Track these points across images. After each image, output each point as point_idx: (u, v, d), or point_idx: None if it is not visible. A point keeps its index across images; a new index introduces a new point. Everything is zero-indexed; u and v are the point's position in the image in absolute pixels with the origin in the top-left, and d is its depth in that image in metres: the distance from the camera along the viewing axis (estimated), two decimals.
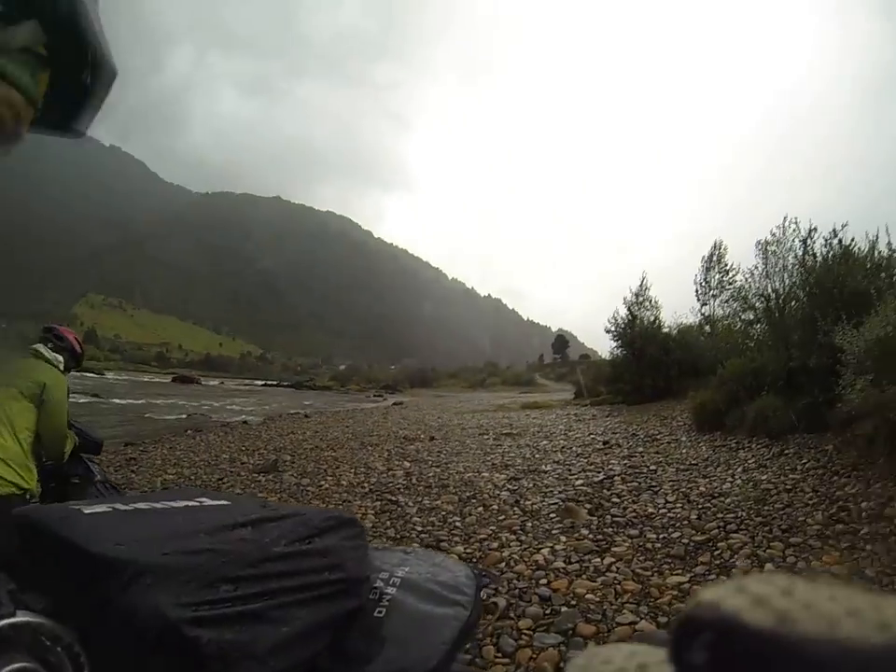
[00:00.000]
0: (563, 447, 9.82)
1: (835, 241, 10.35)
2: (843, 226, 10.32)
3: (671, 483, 6.54)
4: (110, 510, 0.84)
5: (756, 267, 18.38)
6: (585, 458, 8.56)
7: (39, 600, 0.68)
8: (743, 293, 18.73)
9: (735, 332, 19.56)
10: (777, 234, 17.62)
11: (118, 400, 26.79)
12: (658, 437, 10.11)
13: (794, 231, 17.14)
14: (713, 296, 21.96)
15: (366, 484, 7.54)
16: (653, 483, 6.62)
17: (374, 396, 43.46)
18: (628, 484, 6.65)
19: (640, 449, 8.99)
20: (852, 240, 10.16)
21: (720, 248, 22.22)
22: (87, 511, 0.82)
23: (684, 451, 8.58)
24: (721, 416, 9.76)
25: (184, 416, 19.87)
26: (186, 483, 8.22)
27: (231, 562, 0.71)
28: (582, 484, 6.79)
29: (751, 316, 18.48)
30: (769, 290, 11.95)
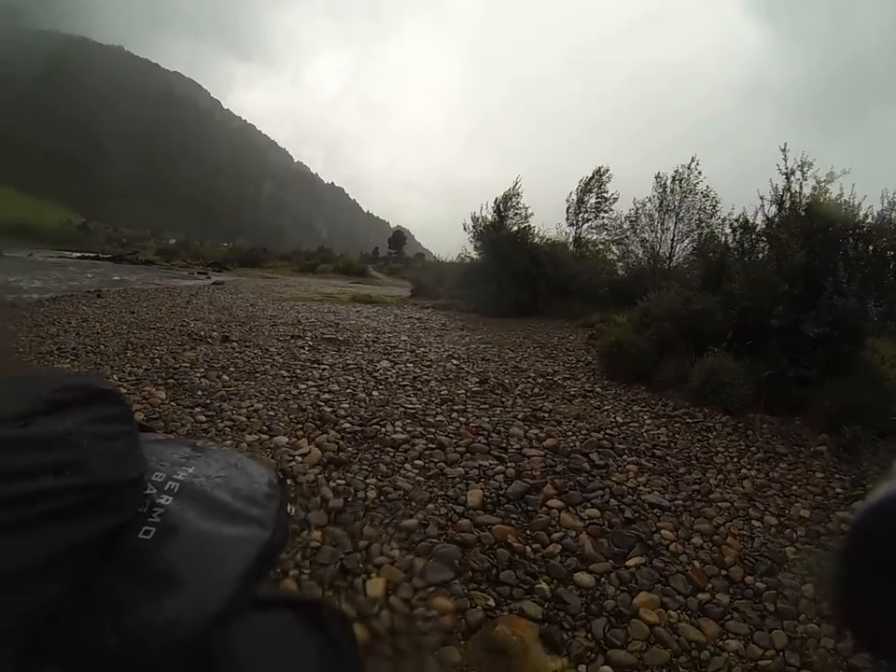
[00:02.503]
0: (415, 378, 6.18)
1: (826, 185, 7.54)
2: (843, 171, 7.43)
3: (668, 516, 3.29)
4: None
5: (650, 199, 16.13)
6: (461, 414, 4.98)
7: None
8: (632, 220, 16.60)
9: (601, 260, 17.55)
10: (683, 171, 15.42)
11: None
12: (557, 380, 6.71)
13: (700, 173, 15.03)
14: (585, 219, 19.76)
15: None
16: (627, 507, 3.31)
17: (198, 273, 38.82)
18: (581, 511, 3.21)
19: (547, 404, 5.52)
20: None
21: (602, 174, 20.00)
22: None
23: (617, 418, 5.29)
24: (647, 365, 6.87)
25: None
26: None
27: None
28: (487, 499, 3.31)
29: (635, 248, 16.43)
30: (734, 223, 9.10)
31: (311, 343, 8.07)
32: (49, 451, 0.47)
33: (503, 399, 5.52)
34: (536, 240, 16.54)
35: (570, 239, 19.42)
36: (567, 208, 20.05)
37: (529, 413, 5.04)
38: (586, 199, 19.91)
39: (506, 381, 6.21)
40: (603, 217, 19.41)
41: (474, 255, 17.62)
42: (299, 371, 6.16)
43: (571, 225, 19.90)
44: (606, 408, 5.58)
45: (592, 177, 20.05)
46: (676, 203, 15.68)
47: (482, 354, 8.20)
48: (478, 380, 6.23)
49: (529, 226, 16.92)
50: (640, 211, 16.45)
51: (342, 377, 5.93)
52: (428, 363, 7.11)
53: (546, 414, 5.08)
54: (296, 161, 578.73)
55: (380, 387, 5.63)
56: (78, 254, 61.43)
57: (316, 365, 6.56)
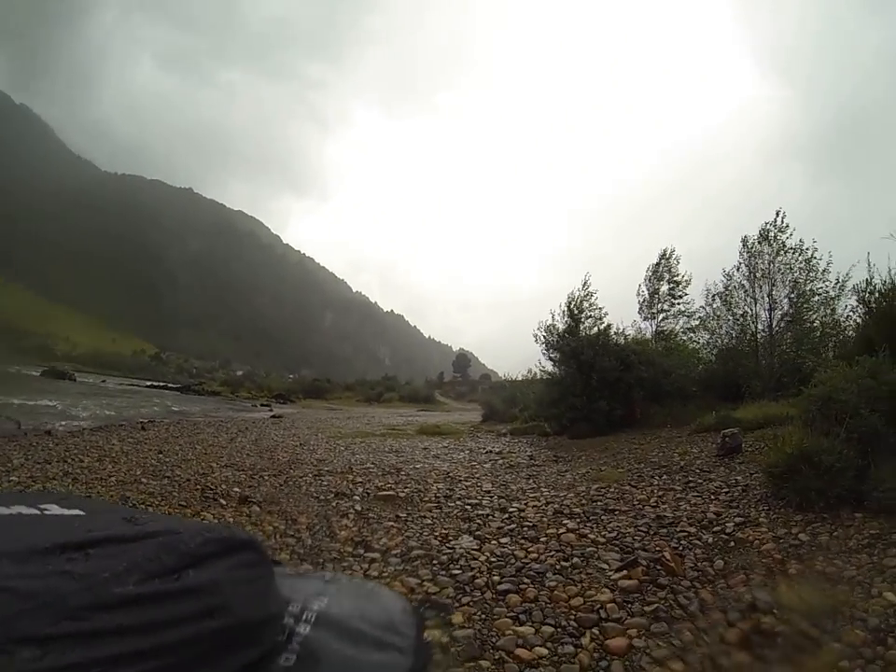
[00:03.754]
0: (520, 569, 3.89)
1: None
2: None
3: None
4: None
5: (738, 268, 14.54)
6: (630, 667, 2.63)
7: None
8: (723, 295, 14.79)
9: (690, 351, 15.86)
10: (769, 229, 14.02)
11: None
12: (730, 530, 4.31)
13: (787, 226, 13.73)
14: (661, 310, 17.79)
15: None
16: None
17: (262, 405, 38.72)
18: None
19: (756, 595, 3.02)
20: None
21: (668, 257, 18.14)
22: None
23: (885, 594, 2.92)
24: (850, 479, 4.56)
25: None
26: None
27: (39, 610, 0.42)
28: None
29: (728, 328, 14.76)
30: None
31: (359, 508, 5.85)
32: (200, 599, 0.50)
33: (678, 598, 3.19)
34: (618, 340, 14.52)
35: (649, 334, 17.35)
36: (640, 301, 18.16)
37: (741, 625, 2.72)
38: (658, 287, 18.01)
39: (664, 554, 3.83)
40: (679, 304, 17.46)
41: (550, 368, 15.55)
42: (329, 569, 3.96)
43: (647, 319, 17.93)
44: (849, 574, 3.23)
45: (659, 263, 18.20)
46: (766, 267, 13.86)
47: (599, 501, 5.80)
48: (620, 561, 3.85)
49: (609, 326, 14.99)
50: (730, 284, 14.54)
51: (401, 579, 3.70)
52: (531, 530, 4.78)
53: (768, 620, 2.74)
54: (354, 290, 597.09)
55: (465, 601, 3.32)
56: (149, 383, 63.48)
57: (361, 553, 4.32)
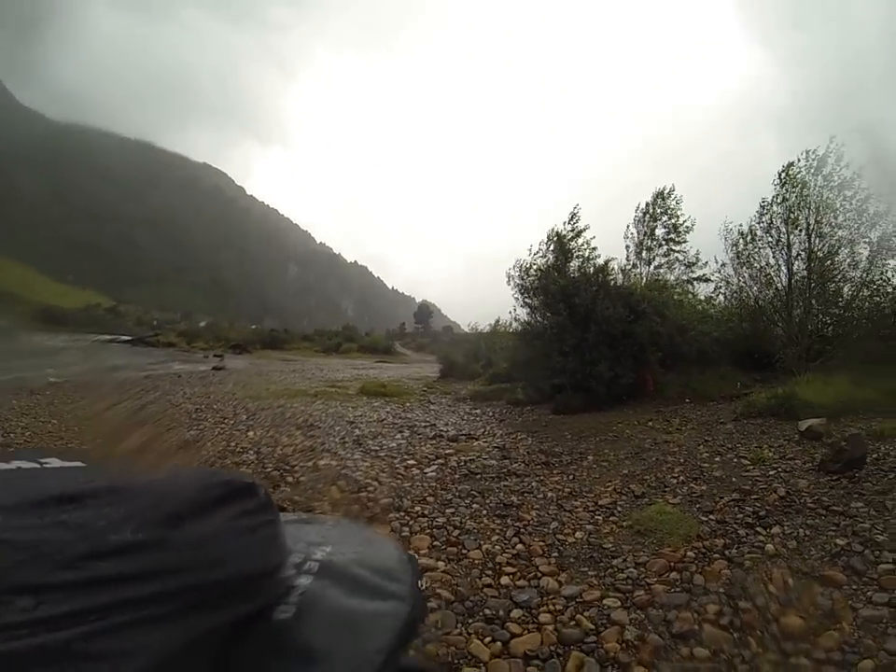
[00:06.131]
0: None
1: None
2: None
3: None
4: None
5: (774, 200, 11.24)
6: None
7: None
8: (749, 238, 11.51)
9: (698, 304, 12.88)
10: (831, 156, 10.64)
11: None
12: None
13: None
14: (652, 258, 14.75)
15: None
16: None
17: (214, 356, 36.50)
18: None
19: None
20: None
21: (666, 197, 14.63)
22: None
23: None
24: None
25: None
26: None
27: (35, 560, 0.43)
28: None
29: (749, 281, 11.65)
30: None
31: None
32: (198, 549, 0.50)
33: None
34: (624, 281, 11.23)
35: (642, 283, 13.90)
36: (628, 246, 14.91)
37: None
38: (653, 228, 14.55)
39: None
40: (677, 251, 14.36)
41: (526, 317, 11.77)
42: None
43: (635, 266, 14.62)
44: None
45: (654, 201, 14.91)
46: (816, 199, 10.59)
47: (675, 621, 2.35)
48: None
49: (610, 261, 11.31)
50: (769, 218, 11.17)
51: None
52: None
53: None
54: (318, 241, 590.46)
55: None
56: (96, 338, 60.12)
57: None
